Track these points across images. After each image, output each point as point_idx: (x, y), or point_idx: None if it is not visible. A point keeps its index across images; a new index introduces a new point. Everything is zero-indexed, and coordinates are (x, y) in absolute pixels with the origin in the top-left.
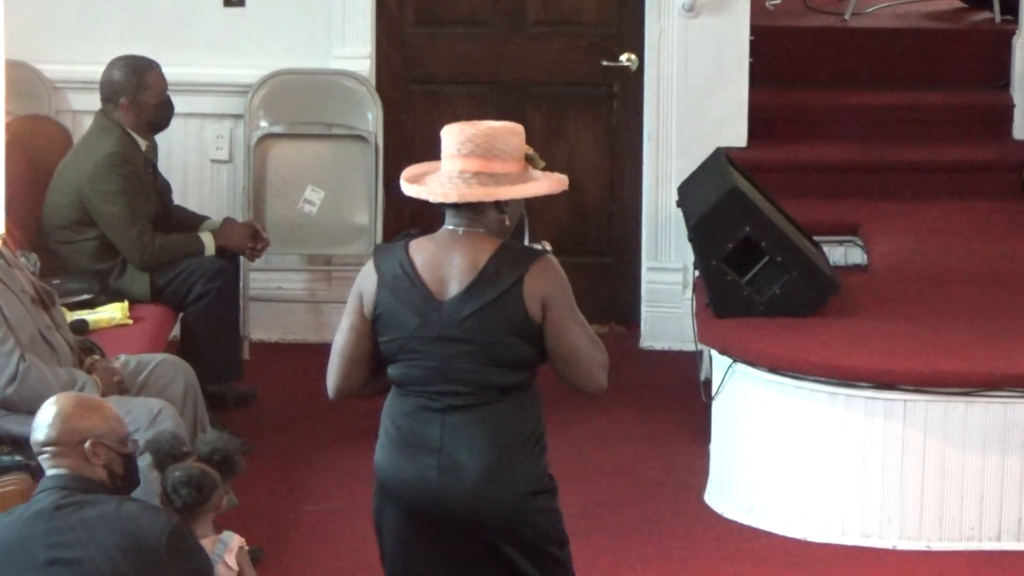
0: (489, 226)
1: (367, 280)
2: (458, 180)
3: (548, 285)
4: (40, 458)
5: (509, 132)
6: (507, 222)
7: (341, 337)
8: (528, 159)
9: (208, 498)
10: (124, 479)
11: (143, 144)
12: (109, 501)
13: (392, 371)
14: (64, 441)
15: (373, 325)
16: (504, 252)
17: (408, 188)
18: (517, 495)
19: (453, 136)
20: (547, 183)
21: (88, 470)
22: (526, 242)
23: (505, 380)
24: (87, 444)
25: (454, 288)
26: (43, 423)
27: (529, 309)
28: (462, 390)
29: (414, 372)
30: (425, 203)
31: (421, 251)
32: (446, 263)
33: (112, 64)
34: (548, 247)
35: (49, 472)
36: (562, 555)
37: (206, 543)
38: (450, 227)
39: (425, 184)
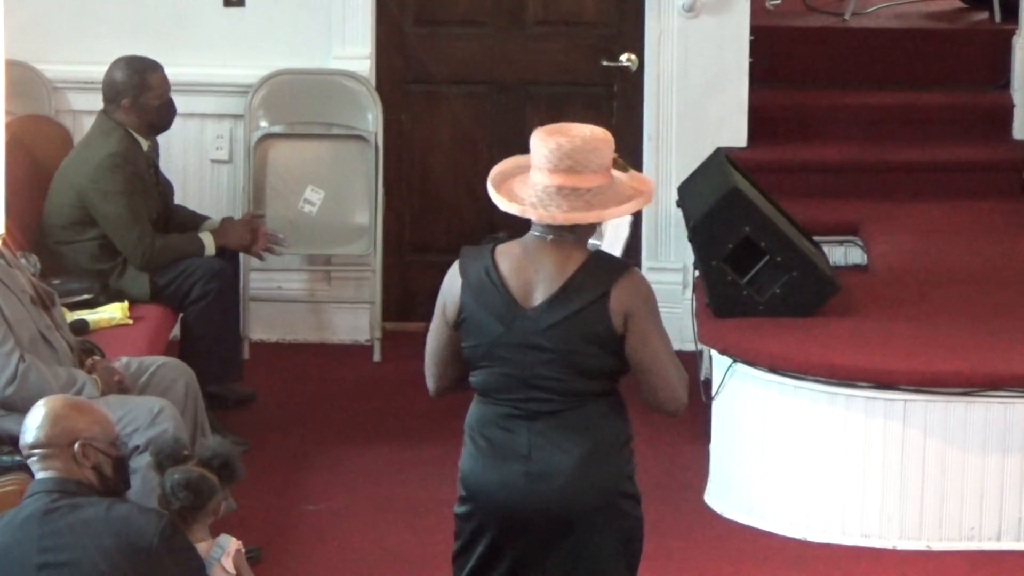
0: (579, 234)
1: (452, 284)
2: (557, 197)
3: (634, 297)
4: (29, 460)
5: (601, 143)
6: (595, 228)
7: (431, 339)
8: (613, 163)
9: (206, 502)
10: (114, 481)
11: (145, 144)
12: (99, 503)
13: (474, 378)
14: (53, 443)
15: (457, 330)
16: (592, 263)
17: (501, 202)
18: (604, 493)
19: (546, 148)
20: (641, 199)
21: (77, 472)
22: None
23: (587, 388)
24: (76, 446)
25: (539, 296)
26: (32, 425)
27: (614, 321)
28: (545, 397)
29: (497, 380)
30: (427, 205)
31: (508, 257)
32: (533, 271)
33: (114, 64)
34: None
35: (38, 475)
36: (635, 566)
37: (202, 547)
38: (537, 234)
39: (514, 193)
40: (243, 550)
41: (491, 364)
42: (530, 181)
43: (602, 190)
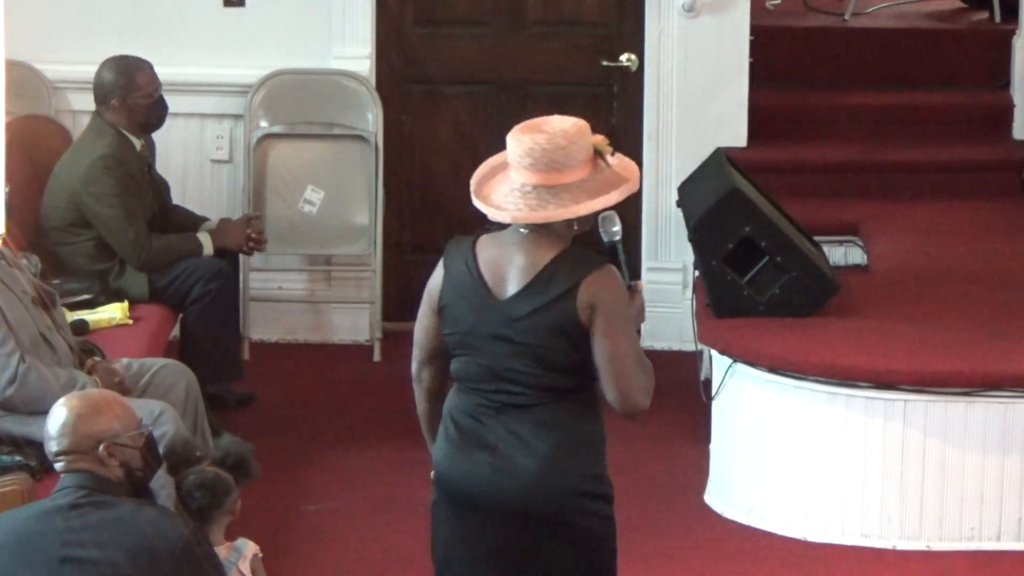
0: (556, 228)
1: (436, 273)
2: (518, 194)
3: (601, 292)
4: (56, 466)
5: (571, 139)
6: (575, 227)
7: (417, 327)
8: (597, 152)
9: (222, 502)
10: (143, 470)
11: (138, 144)
12: (127, 504)
13: (453, 365)
14: (77, 449)
15: (440, 316)
16: (564, 257)
17: (476, 200)
18: (569, 494)
19: (517, 145)
20: (612, 195)
21: (105, 471)
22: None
23: (557, 383)
24: (101, 448)
25: (511, 288)
26: (54, 432)
27: (580, 315)
28: (515, 390)
29: (471, 368)
30: (427, 205)
31: (486, 248)
32: (507, 262)
33: (102, 65)
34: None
35: (65, 475)
36: (609, 565)
37: (220, 550)
38: (517, 226)
39: (489, 192)
40: (260, 555)
41: (465, 353)
42: (508, 179)
43: (582, 184)
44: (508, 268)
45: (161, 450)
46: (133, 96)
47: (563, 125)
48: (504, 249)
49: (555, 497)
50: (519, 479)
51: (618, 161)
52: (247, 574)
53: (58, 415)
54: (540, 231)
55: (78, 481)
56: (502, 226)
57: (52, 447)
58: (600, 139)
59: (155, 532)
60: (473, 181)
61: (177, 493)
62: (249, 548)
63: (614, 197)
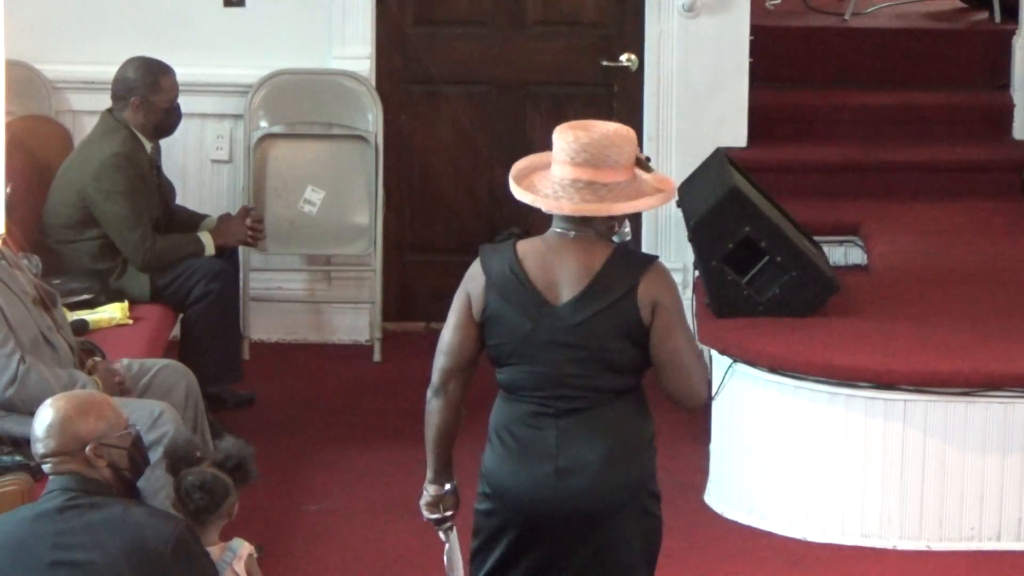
0: (598, 229)
1: (475, 281)
2: (571, 189)
3: (661, 289)
4: (44, 467)
5: (623, 140)
6: (616, 228)
7: (448, 335)
8: (638, 162)
9: (220, 504)
10: (131, 470)
11: (148, 146)
12: (116, 505)
13: (501, 376)
14: (64, 450)
15: (482, 328)
16: (618, 258)
17: (518, 192)
18: (631, 488)
19: (566, 142)
20: (657, 198)
21: (92, 472)
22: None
23: (616, 384)
24: (88, 449)
25: (566, 294)
26: (41, 434)
27: (642, 314)
28: (573, 394)
29: (525, 377)
30: (427, 205)
31: (531, 254)
32: (557, 267)
33: (128, 62)
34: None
35: (54, 477)
36: (653, 568)
37: (214, 550)
38: (559, 230)
39: (534, 186)
40: (255, 554)
41: (518, 362)
42: (550, 174)
43: (620, 186)
44: (559, 273)
45: (162, 450)
46: (155, 97)
47: (611, 125)
48: (551, 253)
49: (618, 492)
50: (582, 478)
51: (654, 177)
52: (242, 574)
53: (44, 416)
54: (586, 233)
55: (66, 484)
56: (528, 232)
57: (39, 449)
58: (641, 155)
59: (145, 532)
60: (513, 173)
61: (176, 493)
62: (244, 548)
63: (667, 196)
